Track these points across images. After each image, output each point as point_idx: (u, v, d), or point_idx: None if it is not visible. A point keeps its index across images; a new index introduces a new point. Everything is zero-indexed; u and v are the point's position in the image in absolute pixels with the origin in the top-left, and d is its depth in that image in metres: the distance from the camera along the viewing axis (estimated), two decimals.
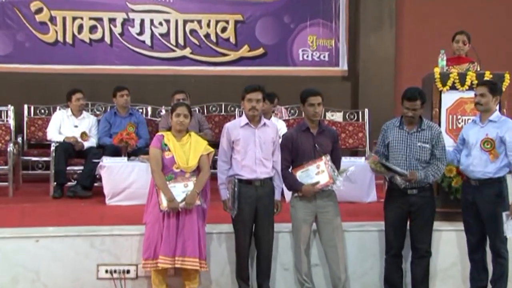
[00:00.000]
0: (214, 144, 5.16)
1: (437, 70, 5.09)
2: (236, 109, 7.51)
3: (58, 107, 7.08)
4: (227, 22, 8.17)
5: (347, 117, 7.74)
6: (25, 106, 7.30)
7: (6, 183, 6.26)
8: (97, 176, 6.02)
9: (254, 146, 4.24)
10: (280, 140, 4.42)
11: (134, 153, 6.21)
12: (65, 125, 6.62)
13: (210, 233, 4.60)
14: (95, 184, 6.22)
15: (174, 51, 8.13)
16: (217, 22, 8.14)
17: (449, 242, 4.85)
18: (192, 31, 8.15)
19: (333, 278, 4.38)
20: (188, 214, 4.21)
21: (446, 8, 8.19)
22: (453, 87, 5.04)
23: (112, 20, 7.93)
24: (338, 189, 4.30)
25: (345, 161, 5.84)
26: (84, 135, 6.53)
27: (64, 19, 7.84)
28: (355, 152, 7.72)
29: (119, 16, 7.96)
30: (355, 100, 8.27)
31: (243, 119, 4.30)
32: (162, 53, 8.10)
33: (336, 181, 4.23)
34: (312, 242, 4.59)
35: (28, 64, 7.69)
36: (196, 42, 8.16)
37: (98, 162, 5.93)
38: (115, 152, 6.24)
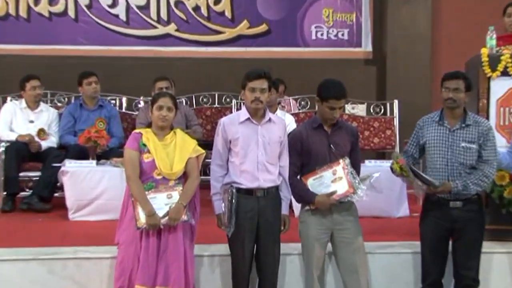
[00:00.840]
0: (206, 144, 5.14)
1: (484, 52, 5.08)
2: (233, 101, 7.53)
3: (8, 98, 7.08)
4: None
5: (371, 110, 7.75)
6: None
7: None
8: (58, 184, 6.02)
9: (256, 147, 4.23)
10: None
11: (104, 155, 6.22)
12: (18, 120, 6.61)
13: (200, 256, 4.59)
14: (55, 195, 6.22)
15: (155, 27, 8.15)
16: None
17: (500, 268, 4.84)
18: (178, 3, 8.17)
19: None
20: (172, 232, 4.19)
21: None
22: (505, 73, 5.03)
23: None
24: (360, 201, 4.28)
25: (369, 165, 5.88)
26: (41, 132, 6.53)
27: None
28: (381, 155, 7.73)
29: None
30: (381, 89, 8.29)
31: (243, 113, 4.30)
32: (140, 30, 8.13)
33: (357, 190, 4.22)
34: (327, 267, 4.58)
35: None
36: (183, 16, 8.18)
37: (60, 167, 5.92)
38: (81, 154, 6.23)
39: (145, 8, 8.07)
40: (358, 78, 7.98)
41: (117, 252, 4.33)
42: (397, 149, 7.33)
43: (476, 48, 5.19)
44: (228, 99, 7.76)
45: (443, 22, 8.29)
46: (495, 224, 4.88)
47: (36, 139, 6.48)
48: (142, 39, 8.11)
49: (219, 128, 4.31)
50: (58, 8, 7.89)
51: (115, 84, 7.54)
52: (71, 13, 7.93)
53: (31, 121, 6.61)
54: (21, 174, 6.30)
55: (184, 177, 4.30)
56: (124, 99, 7.59)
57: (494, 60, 5.04)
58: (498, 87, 5.06)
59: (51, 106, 7.05)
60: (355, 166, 4.34)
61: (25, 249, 4.74)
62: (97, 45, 7.97)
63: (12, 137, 6.45)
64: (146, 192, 4.16)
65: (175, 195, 4.18)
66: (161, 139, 4.30)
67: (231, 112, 7.20)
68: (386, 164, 5.90)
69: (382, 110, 7.71)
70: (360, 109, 7.75)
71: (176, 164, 4.24)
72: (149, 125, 4.40)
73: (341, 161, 4.24)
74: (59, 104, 7.39)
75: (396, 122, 7.53)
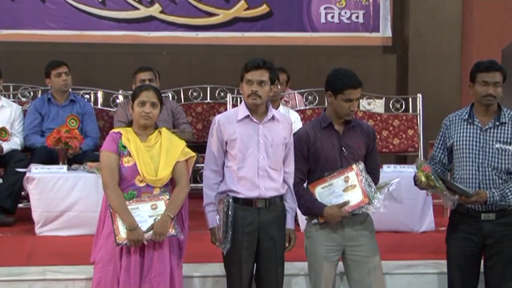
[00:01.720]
0: (196, 146, 5.17)
1: None
2: (228, 95, 7.51)
3: None
4: None
5: (391, 106, 7.78)
6: None
7: None
8: (23, 193, 6.04)
9: (256, 149, 4.24)
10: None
11: (77, 159, 6.23)
12: None
13: (189, 276, 4.62)
14: (20, 205, 6.25)
15: (136, 9, 8.18)
16: None
17: None
18: None
19: None
20: (158, 249, 4.20)
21: None
22: None
23: None
24: (377, 213, 4.29)
25: (387, 171, 5.91)
26: (3, 132, 6.55)
27: None
28: (402, 158, 7.76)
29: None
30: (402, 82, 8.31)
31: (242, 110, 4.31)
32: (118, 11, 8.15)
33: (373, 200, 4.22)
34: None
35: None
36: None
37: (25, 173, 5.94)
38: (50, 157, 6.26)
39: None
40: (375, 68, 8.01)
41: (93, 273, 4.31)
42: (421, 152, 7.34)
43: None
44: (222, 94, 7.76)
45: (475, 4, 8.31)
46: None
47: None
48: (120, 23, 8.12)
49: (214, 128, 4.30)
50: None
51: (89, 76, 7.57)
52: None
53: None
54: None
55: (171, 185, 4.31)
56: (99, 94, 7.58)
57: None
58: None
59: (13, 102, 7.04)
60: (372, 172, 4.33)
61: None
62: (67, 30, 7.99)
63: None
64: (127, 202, 4.16)
65: (161, 206, 4.18)
66: (144, 140, 4.29)
67: (226, 108, 7.19)
68: (407, 169, 5.96)
69: (404, 106, 7.72)
70: (377, 105, 7.72)
71: (162, 169, 4.24)
72: (129, 124, 4.40)
73: (354, 166, 4.23)
74: (23, 99, 7.40)
75: (419, 120, 7.52)
